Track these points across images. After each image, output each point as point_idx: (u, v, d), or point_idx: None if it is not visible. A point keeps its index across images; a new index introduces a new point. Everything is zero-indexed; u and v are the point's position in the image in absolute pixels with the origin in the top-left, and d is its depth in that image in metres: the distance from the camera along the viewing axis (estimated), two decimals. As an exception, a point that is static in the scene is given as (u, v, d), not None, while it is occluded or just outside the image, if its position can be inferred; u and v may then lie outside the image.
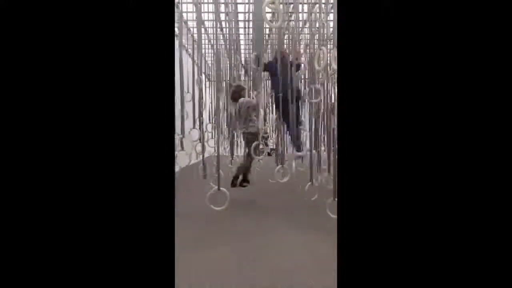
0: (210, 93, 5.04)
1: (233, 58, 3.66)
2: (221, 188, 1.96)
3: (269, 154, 3.68)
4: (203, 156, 3.08)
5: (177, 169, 3.93)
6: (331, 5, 2.88)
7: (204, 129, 3.46)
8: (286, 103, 3.01)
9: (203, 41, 5.00)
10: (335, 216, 1.84)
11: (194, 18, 4.55)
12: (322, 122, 3.41)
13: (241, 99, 3.63)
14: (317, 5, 2.77)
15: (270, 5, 1.62)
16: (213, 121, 4.52)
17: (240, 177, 3.69)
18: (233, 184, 3.69)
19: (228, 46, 3.38)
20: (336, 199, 1.83)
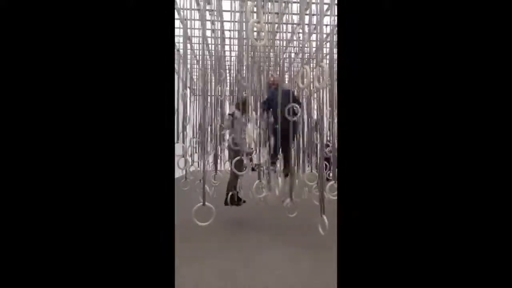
0: (195, 107, 5.06)
1: (217, 73, 3.71)
2: (206, 203, 1.95)
3: (253, 170, 3.63)
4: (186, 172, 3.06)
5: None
6: (314, 26, 2.99)
7: (188, 144, 3.44)
8: (287, 136, 2.88)
9: (188, 56, 5.05)
10: (324, 233, 1.85)
11: (180, 33, 4.61)
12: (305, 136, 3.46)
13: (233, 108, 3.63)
14: (300, 25, 2.87)
15: (256, 24, 1.68)
16: (197, 136, 4.51)
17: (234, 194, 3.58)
18: (225, 203, 3.59)
19: (213, 61, 3.43)
20: (323, 216, 1.85)
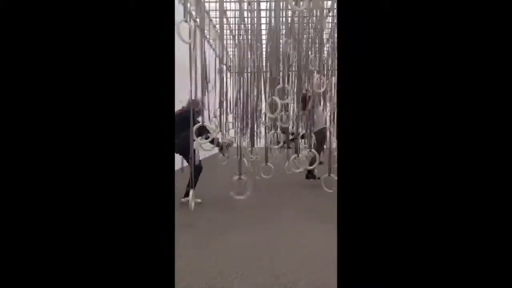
0: (231, 83, 5.05)
1: (254, 48, 3.64)
2: (242, 177, 1.97)
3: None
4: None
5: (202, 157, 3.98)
6: None
7: (224, 119, 3.45)
8: None
9: (224, 31, 4.99)
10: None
11: (217, 8, 4.55)
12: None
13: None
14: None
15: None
16: (234, 112, 4.52)
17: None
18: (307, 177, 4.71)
19: (250, 36, 3.35)
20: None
